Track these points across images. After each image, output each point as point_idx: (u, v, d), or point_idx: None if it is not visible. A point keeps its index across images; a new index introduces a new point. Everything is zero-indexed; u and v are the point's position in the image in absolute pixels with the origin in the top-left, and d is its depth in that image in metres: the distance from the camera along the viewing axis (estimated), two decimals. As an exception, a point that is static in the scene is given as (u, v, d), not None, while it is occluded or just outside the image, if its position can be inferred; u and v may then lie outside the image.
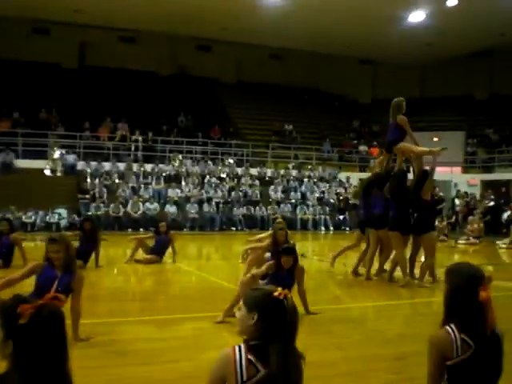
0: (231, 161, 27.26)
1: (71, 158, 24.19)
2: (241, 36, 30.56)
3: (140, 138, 26.43)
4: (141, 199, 22.43)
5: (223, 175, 26.04)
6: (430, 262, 10.23)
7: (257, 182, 26.08)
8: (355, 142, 33.04)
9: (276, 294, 2.68)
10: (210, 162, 26.60)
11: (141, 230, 20.85)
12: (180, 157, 26.05)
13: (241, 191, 24.99)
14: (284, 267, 7.23)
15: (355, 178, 28.23)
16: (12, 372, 2.23)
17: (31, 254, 11.88)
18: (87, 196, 22.26)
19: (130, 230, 20.98)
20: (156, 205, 22.47)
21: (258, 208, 24.04)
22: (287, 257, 7.23)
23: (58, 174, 23.57)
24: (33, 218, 20.25)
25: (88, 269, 11.43)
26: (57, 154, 24.04)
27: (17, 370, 2.22)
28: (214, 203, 23.51)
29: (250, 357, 2.60)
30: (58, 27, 29.81)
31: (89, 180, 23.10)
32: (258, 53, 33.80)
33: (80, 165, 24.09)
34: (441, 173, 23.02)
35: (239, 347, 2.64)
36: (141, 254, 12.92)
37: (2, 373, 2.25)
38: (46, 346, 2.24)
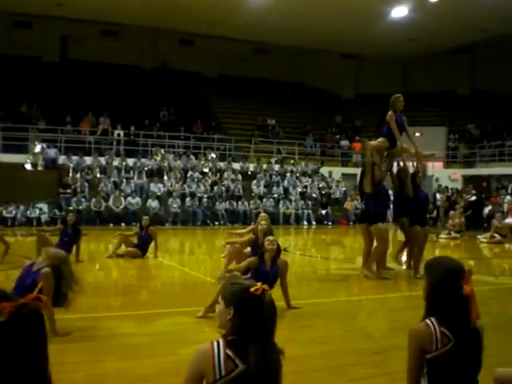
0: (214, 155, 27.20)
1: (52, 152, 23.99)
2: (224, 30, 30.47)
3: (122, 133, 26.30)
4: (122, 194, 22.32)
5: (206, 170, 25.98)
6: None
7: (239, 177, 26.05)
8: (338, 136, 33.11)
9: (253, 289, 2.66)
10: (192, 157, 26.52)
11: (122, 224, 20.79)
12: (162, 151, 25.95)
13: (223, 186, 24.96)
14: (266, 262, 7.23)
15: (337, 172, 28.31)
16: None
17: (12, 249, 11.81)
18: (68, 190, 22.10)
19: (111, 224, 20.89)
20: (138, 199, 22.38)
21: (240, 203, 24.02)
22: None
23: (39, 168, 23.37)
24: (13, 212, 20.08)
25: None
26: (38, 148, 23.84)
27: None
28: (196, 198, 23.45)
29: (228, 352, 2.58)
30: (39, 20, 29.55)
31: (70, 174, 22.93)
32: (242, 47, 33.75)
33: (61, 159, 23.92)
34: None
35: (217, 342, 2.63)
36: (123, 249, 12.86)
37: None
38: (24, 346, 2.19)
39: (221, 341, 2.64)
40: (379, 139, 10.88)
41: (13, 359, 2.17)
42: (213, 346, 2.62)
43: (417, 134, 28.54)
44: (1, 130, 23.81)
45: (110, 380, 4.80)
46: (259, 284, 2.71)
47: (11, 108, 25.81)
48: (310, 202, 25.68)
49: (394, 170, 11.39)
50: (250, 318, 2.62)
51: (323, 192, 26.65)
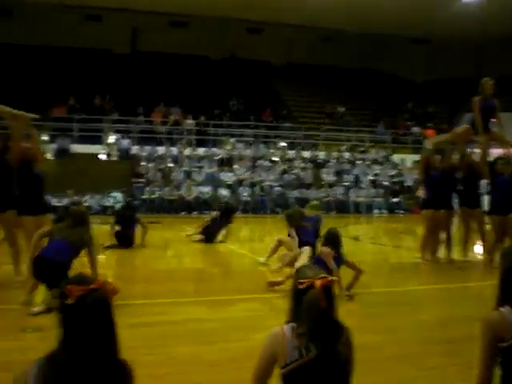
0: (283, 144, 27.19)
1: (125, 142, 24.55)
2: (292, 18, 30.31)
3: (193, 122, 26.63)
4: (194, 183, 22.63)
5: (275, 158, 26.01)
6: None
7: (309, 165, 25.97)
8: (409, 123, 32.49)
9: (316, 282, 2.66)
10: (262, 145, 26.61)
11: (194, 213, 21.07)
12: (232, 140, 26.13)
13: (293, 174, 24.93)
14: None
15: (409, 160, 27.80)
16: (60, 352, 2.27)
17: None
18: (141, 180, 22.58)
19: (183, 213, 21.20)
20: (209, 188, 22.64)
21: (310, 191, 23.95)
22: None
23: (113, 158, 23.98)
24: (89, 201, 20.66)
25: (140, 250, 11.71)
26: (111, 139, 24.44)
27: (64, 351, 2.26)
28: (266, 186, 23.53)
29: (295, 339, 2.61)
30: (110, 13, 30.16)
31: (143, 164, 23.42)
32: (309, 34, 33.49)
33: (134, 149, 24.44)
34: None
35: (288, 327, 2.67)
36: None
37: (50, 352, 2.29)
38: (90, 328, 2.25)
39: (289, 326, 2.67)
40: (462, 126, 10.71)
41: (80, 342, 2.24)
42: (284, 330, 2.65)
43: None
44: (76, 122, 24.50)
45: (180, 364, 4.89)
46: (322, 275, 2.71)
47: (85, 100, 26.50)
48: (381, 190, 25.35)
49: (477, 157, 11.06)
50: (304, 310, 2.64)
51: (395, 180, 26.26)
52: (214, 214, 13.64)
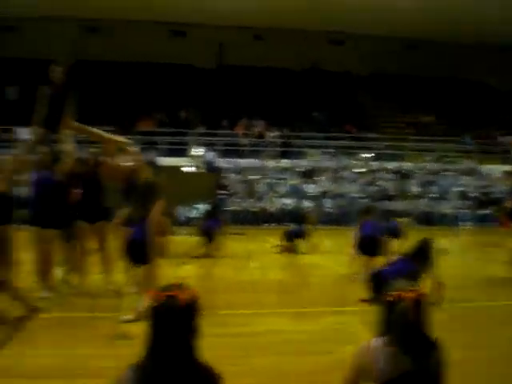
0: (367, 155, 26.91)
1: (210, 155, 24.93)
2: (374, 28, 30.05)
3: (276, 134, 26.75)
4: (277, 194, 22.72)
5: (359, 169, 25.76)
6: None
7: (394, 176, 25.59)
8: (497, 133, 31.47)
9: (405, 295, 2.64)
10: (345, 157, 26.42)
11: (277, 224, 21.13)
12: (316, 152, 26.08)
13: (377, 185, 24.63)
14: None
15: (497, 170, 26.92)
16: (147, 358, 2.36)
17: (174, 246, 12.49)
18: (225, 192, 22.87)
19: (266, 224, 21.30)
20: (292, 200, 22.67)
21: (394, 202, 23.58)
22: None
23: (199, 170, 24.40)
24: (175, 213, 21.05)
25: (224, 261, 11.89)
26: (197, 151, 24.88)
27: (150, 357, 2.35)
28: (349, 198, 23.34)
29: (386, 352, 2.59)
30: (195, 29, 30.79)
31: (227, 176, 23.72)
32: (393, 44, 33.05)
33: (219, 162, 24.77)
34: None
35: (378, 340, 2.66)
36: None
37: (140, 358, 2.38)
38: (168, 333, 2.33)
39: (380, 339, 2.66)
40: None
41: (163, 346, 2.33)
42: (374, 344, 2.64)
43: None
44: (162, 135, 25.09)
45: (263, 375, 4.93)
46: (408, 289, 2.69)
47: (172, 114, 27.13)
48: (468, 202, 24.66)
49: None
50: (393, 322, 2.62)
51: (483, 191, 25.48)
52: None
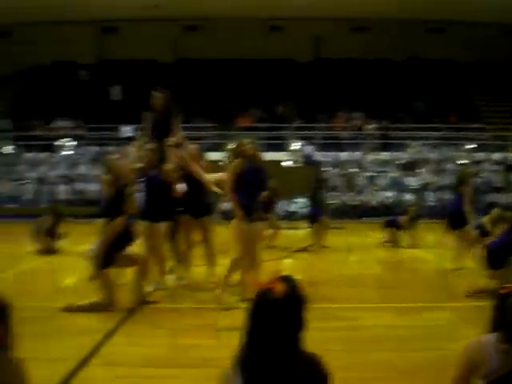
0: (470, 146, 26.04)
1: (309, 149, 24.90)
2: (473, 15, 28.97)
3: (375, 127, 26.38)
4: (377, 188, 22.41)
5: (462, 161, 24.97)
6: None
7: (498, 168, 24.63)
8: None
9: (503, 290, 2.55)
10: (447, 148, 25.68)
11: (377, 218, 20.84)
12: (417, 144, 25.51)
13: (482, 177, 23.79)
14: None
15: None
16: (247, 348, 2.38)
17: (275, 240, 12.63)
18: (324, 185, 22.72)
19: (366, 218, 21.05)
20: (393, 193, 22.30)
21: (501, 195, 22.71)
22: None
23: (297, 164, 24.43)
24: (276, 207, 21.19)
25: (322, 254, 11.88)
26: (295, 145, 24.92)
27: (250, 347, 2.37)
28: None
29: (498, 348, 2.50)
30: (292, 23, 30.80)
31: (326, 170, 23.59)
32: (497, 30, 31.77)
33: (317, 155, 24.71)
34: None
35: (489, 336, 2.57)
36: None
37: (241, 349, 2.40)
38: (269, 328, 2.33)
39: (492, 335, 2.57)
40: None
41: (260, 335, 2.34)
42: (484, 340, 2.55)
43: None
44: (261, 130, 25.30)
45: (371, 369, 4.88)
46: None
47: (270, 109, 27.31)
48: None
49: None
50: (506, 316, 2.52)
51: None
52: None
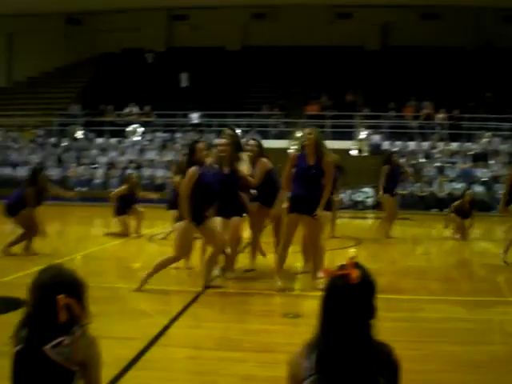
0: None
1: (376, 138, 24.62)
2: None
3: (445, 116, 25.82)
4: (446, 179, 21.96)
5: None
6: None
7: None
8: None
9: None
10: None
11: (445, 210, 20.46)
12: (487, 134, 24.85)
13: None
14: None
15: None
16: (321, 333, 2.38)
17: (338, 230, 12.55)
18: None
19: (434, 210, 20.67)
20: (462, 184, 21.80)
21: None
22: None
23: (364, 154, 24.20)
24: (341, 196, 21.05)
25: (388, 244, 11.75)
26: (362, 134, 24.68)
27: (324, 334, 2.37)
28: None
29: None
30: (360, 10, 30.39)
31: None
32: None
33: (385, 145, 24.39)
34: None
35: None
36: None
37: (316, 334, 2.40)
38: (337, 314, 2.33)
39: None
40: None
41: (336, 324, 2.33)
42: None
43: None
44: (328, 119, 25.15)
45: (439, 361, 4.81)
46: None
47: (337, 97, 27.07)
48: None
49: None
50: None
51: None
52: None
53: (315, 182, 7.33)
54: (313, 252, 7.72)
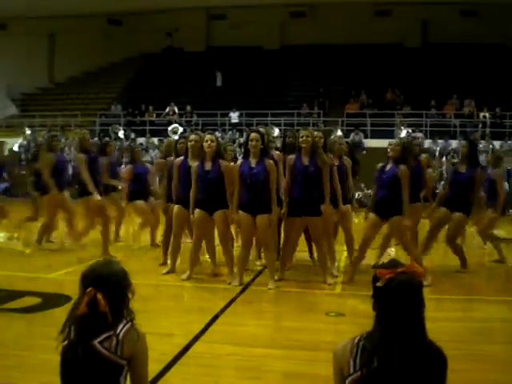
0: None
1: (418, 136, 24.33)
2: None
3: (487, 115, 25.40)
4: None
5: None
6: None
7: None
8: None
9: None
10: None
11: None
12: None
13: None
14: None
15: None
16: (376, 330, 2.40)
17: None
18: (434, 173, 22.14)
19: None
20: (505, 184, 21.40)
21: None
22: None
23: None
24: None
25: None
26: (403, 133, 24.40)
27: (379, 329, 2.39)
28: None
29: None
30: (400, 7, 30.09)
31: (436, 158, 22.98)
32: None
33: (427, 143, 24.06)
34: None
35: None
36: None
37: (370, 330, 2.42)
38: (399, 311, 2.34)
39: None
40: None
41: (391, 321, 2.35)
42: None
43: None
44: (368, 117, 24.97)
45: (488, 362, 4.75)
46: None
47: (377, 95, 26.87)
48: None
49: None
50: None
51: None
52: None
53: (313, 182, 7.38)
54: (317, 251, 7.90)
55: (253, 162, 7.21)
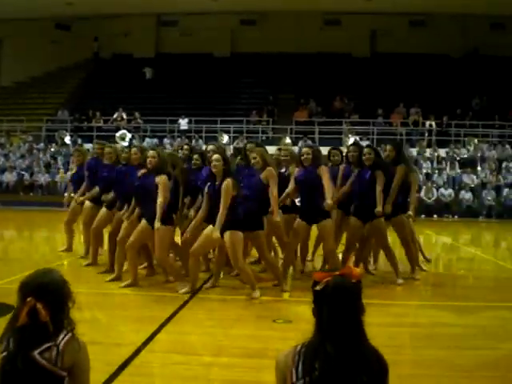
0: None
1: (364, 144, 24.59)
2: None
3: (433, 123, 25.93)
4: (435, 185, 22.03)
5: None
6: None
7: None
8: None
9: None
10: (507, 146, 25.05)
11: (434, 216, 20.54)
12: (475, 141, 24.97)
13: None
14: None
15: None
16: (315, 336, 2.38)
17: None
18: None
19: (423, 216, 20.70)
20: (450, 191, 21.89)
21: None
22: None
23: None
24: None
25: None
26: (351, 141, 24.66)
27: (318, 335, 2.37)
28: (512, 190, 22.10)
29: None
30: (349, 17, 30.50)
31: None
32: None
33: (373, 151, 24.42)
34: None
35: None
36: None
37: (310, 337, 2.40)
38: (336, 315, 2.33)
39: None
40: None
41: (329, 325, 2.33)
42: None
43: None
44: (317, 125, 25.20)
45: (425, 367, 4.80)
46: None
47: (325, 103, 27.16)
48: None
49: None
50: None
51: None
52: None
53: (314, 191, 7.45)
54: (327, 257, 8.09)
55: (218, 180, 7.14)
